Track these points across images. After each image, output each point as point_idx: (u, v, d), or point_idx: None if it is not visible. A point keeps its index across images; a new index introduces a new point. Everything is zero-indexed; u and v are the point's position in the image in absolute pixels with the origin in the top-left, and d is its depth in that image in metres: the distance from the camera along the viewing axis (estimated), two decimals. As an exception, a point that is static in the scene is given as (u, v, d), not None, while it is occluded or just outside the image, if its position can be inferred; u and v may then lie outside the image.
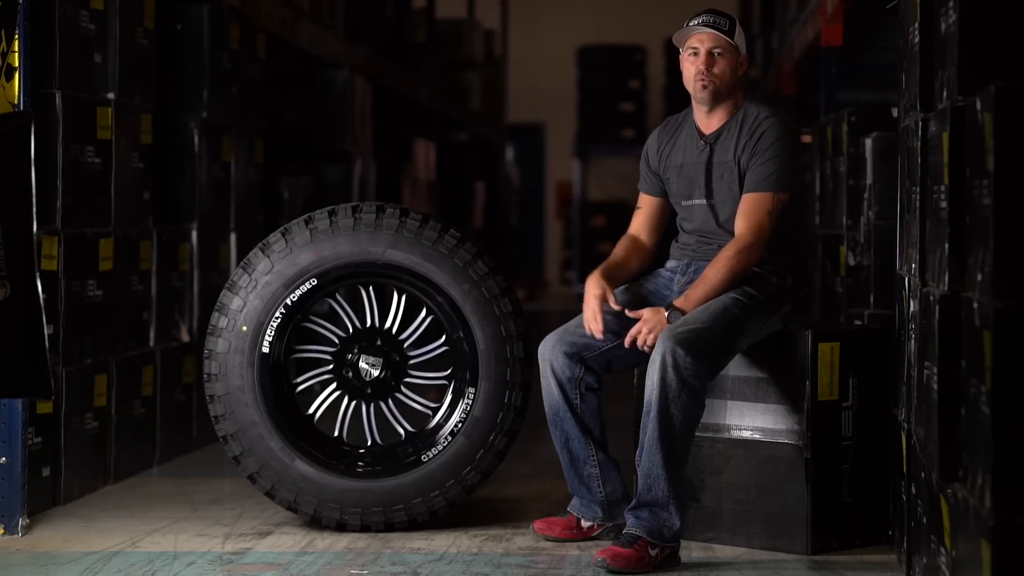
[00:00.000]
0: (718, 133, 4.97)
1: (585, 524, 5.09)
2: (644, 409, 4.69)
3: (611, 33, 20.12)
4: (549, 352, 4.97)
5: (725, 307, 4.78)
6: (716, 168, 4.96)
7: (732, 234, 4.90)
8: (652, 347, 4.76)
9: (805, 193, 9.29)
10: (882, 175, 5.86)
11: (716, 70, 4.93)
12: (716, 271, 4.81)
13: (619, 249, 5.10)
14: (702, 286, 4.81)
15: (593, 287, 4.92)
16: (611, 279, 4.97)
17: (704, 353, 4.68)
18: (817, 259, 7.37)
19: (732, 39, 4.94)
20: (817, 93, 8.31)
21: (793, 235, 5.03)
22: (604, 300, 4.90)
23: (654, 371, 4.66)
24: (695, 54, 4.94)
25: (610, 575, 4.64)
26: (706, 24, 4.94)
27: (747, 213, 4.85)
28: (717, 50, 4.93)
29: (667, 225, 5.20)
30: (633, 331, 4.81)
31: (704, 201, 4.99)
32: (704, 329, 4.70)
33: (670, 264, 5.10)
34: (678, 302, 4.81)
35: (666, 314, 4.78)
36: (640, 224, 5.16)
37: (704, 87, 4.93)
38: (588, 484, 5.04)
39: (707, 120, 4.99)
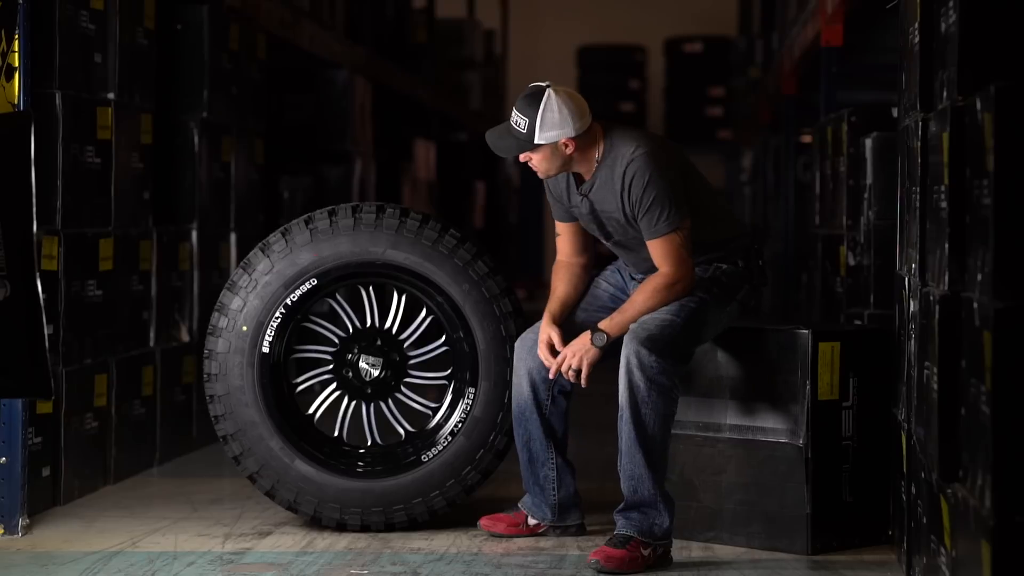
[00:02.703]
0: (591, 184, 4.90)
1: (532, 521, 5.12)
2: (618, 413, 4.71)
3: (611, 33, 20.12)
4: (526, 353, 5.00)
5: (682, 304, 4.79)
6: (603, 216, 4.92)
7: (649, 262, 4.87)
8: (578, 371, 4.78)
9: (806, 192, 9.28)
10: (882, 175, 5.86)
11: (535, 163, 4.85)
12: (645, 299, 4.80)
13: (558, 282, 5.07)
14: (631, 311, 4.80)
15: (544, 335, 4.92)
16: (560, 318, 4.99)
17: (668, 350, 4.70)
18: (817, 259, 7.37)
19: (531, 142, 4.77)
20: (817, 93, 8.30)
21: (728, 225, 4.99)
22: (551, 344, 4.90)
23: (621, 374, 4.70)
24: None
25: (595, 572, 4.66)
26: (494, 141, 4.87)
27: (664, 255, 4.80)
28: (527, 152, 4.85)
29: (593, 240, 5.14)
30: (556, 361, 4.83)
31: (605, 240, 5.00)
32: (665, 326, 4.73)
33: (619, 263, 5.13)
34: (603, 324, 4.82)
35: (591, 336, 4.79)
36: (567, 250, 5.12)
37: (538, 174, 4.91)
38: (543, 485, 5.08)
39: (576, 172, 4.92)
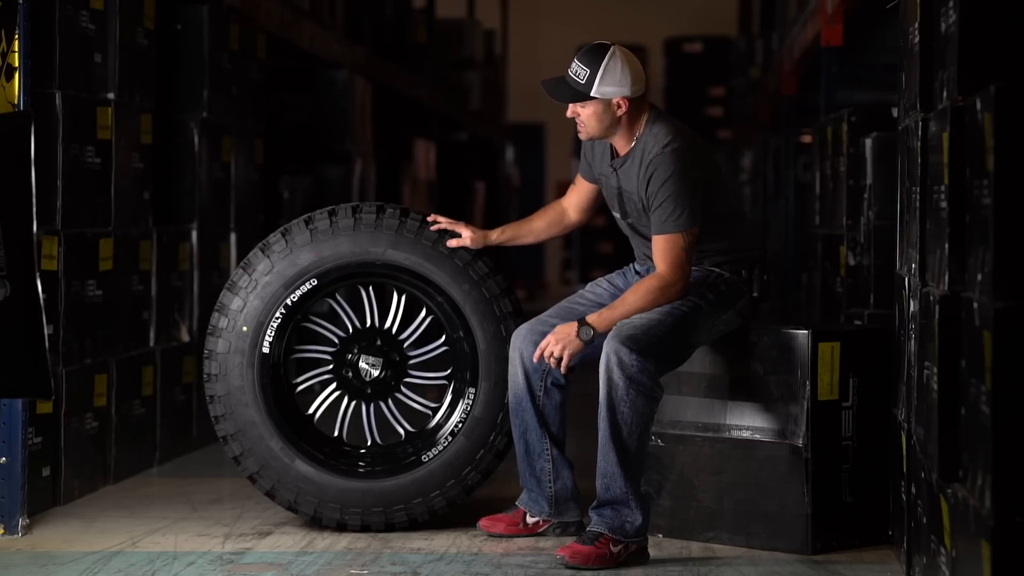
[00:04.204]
0: (623, 160, 4.95)
1: (531, 520, 5.13)
2: (598, 410, 4.72)
3: (611, 33, 20.09)
4: (520, 341, 5.03)
5: (673, 306, 4.80)
6: (625, 194, 4.97)
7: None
8: (560, 360, 4.81)
9: (806, 193, 9.27)
10: (882, 175, 5.86)
11: (581, 119, 4.90)
12: (637, 299, 4.81)
13: (538, 214, 5.30)
14: (621, 308, 4.81)
15: (474, 230, 5.16)
16: (501, 237, 5.21)
17: (650, 350, 4.71)
18: (817, 259, 7.37)
19: (587, 93, 4.83)
20: (817, 93, 8.31)
21: (744, 235, 5.02)
22: (465, 235, 5.14)
23: (601, 371, 4.72)
24: None
25: (570, 571, 4.68)
26: (550, 86, 4.91)
27: (663, 253, 4.83)
28: (578, 105, 4.90)
29: (597, 210, 5.32)
30: (543, 343, 4.85)
31: (621, 219, 5.05)
32: (651, 327, 4.74)
33: (636, 266, 5.15)
34: (591, 318, 4.83)
35: (577, 328, 4.80)
36: (571, 199, 5.26)
37: (580, 133, 4.96)
38: (539, 477, 5.09)
39: (615, 142, 4.97)
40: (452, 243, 5.16)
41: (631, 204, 4.95)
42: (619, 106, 4.85)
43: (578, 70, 4.85)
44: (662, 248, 4.82)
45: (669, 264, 4.81)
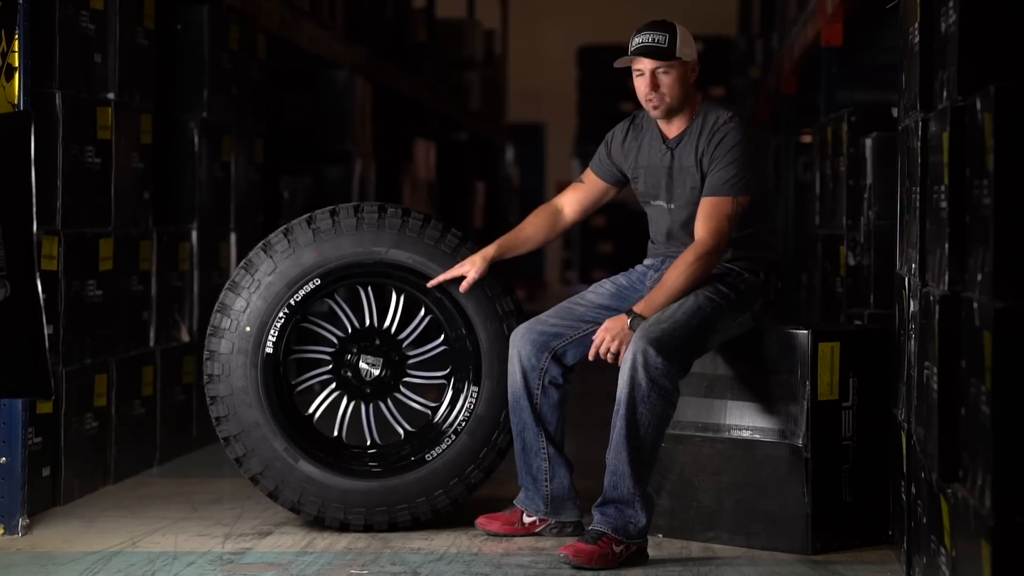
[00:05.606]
0: (680, 138, 4.98)
1: (528, 519, 5.13)
2: (615, 407, 4.72)
3: (611, 33, 20.10)
4: (519, 340, 5.03)
5: (699, 306, 4.80)
6: (678, 173, 4.98)
7: (692, 236, 4.92)
8: (616, 355, 4.78)
9: (804, 193, 9.28)
10: (882, 175, 5.87)
11: (663, 88, 4.91)
12: (676, 276, 4.82)
13: (530, 220, 5.26)
14: (663, 291, 4.82)
15: (466, 267, 5.13)
16: (497, 256, 5.16)
17: (675, 353, 4.71)
18: (817, 259, 7.38)
19: (674, 54, 4.89)
20: (817, 93, 8.31)
21: (771, 230, 5.05)
22: (469, 275, 5.11)
23: (625, 369, 4.71)
24: (641, 75, 4.94)
25: (573, 570, 4.67)
26: (643, 49, 4.92)
27: (707, 217, 4.85)
28: (660, 69, 4.91)
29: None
30: (596, 340, 4.83)
31: (665, 204, 5.04)
32: (678, 328, 4.74)
33: (646, 262, 5.15)
34: (638, 307, 4.82)
35: (628, 320, 4.79)
36: (572, 197, 5.25)
37: (655, 108, 4.95)
38: (535, 476, 5.09)
39: (668, 126, 5.01)
40: (464, 287, 5.13)
41: (684, 179, 4.95)
42: (694, 70, 4.95)
43: (656, 36, 4.91)
44: (708, 211, 4.84)
45: (710, 229, 4.83)
